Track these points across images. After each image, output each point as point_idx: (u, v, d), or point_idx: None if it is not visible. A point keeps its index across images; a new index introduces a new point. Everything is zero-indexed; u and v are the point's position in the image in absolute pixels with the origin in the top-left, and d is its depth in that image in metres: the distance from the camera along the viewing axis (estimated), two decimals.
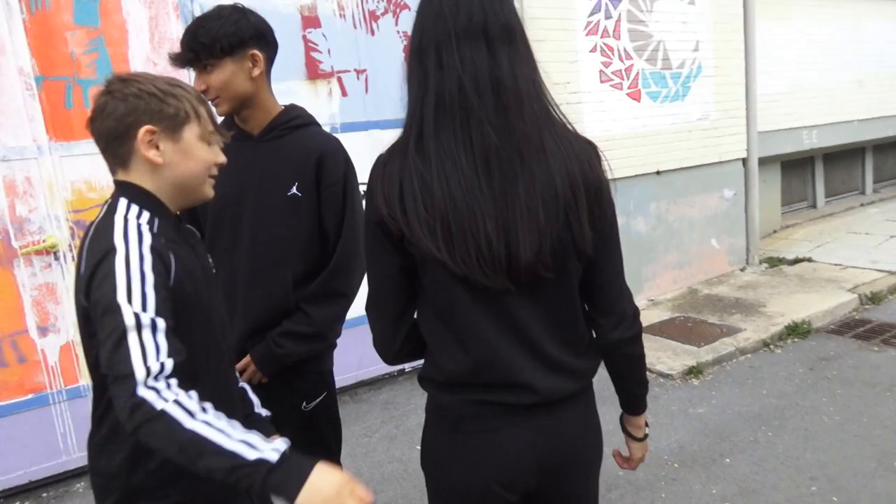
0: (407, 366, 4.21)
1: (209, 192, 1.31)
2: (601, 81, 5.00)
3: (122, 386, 1.05)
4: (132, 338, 1.07)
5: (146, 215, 1.20)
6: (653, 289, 5.41)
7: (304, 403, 1.87)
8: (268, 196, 1.77)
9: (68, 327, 3.12)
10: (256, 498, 1.10)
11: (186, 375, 1.11)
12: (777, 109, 6.59)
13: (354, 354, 4.01)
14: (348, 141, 3.95)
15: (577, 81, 4.84)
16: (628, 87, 5.17)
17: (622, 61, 5.11)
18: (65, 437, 3.14)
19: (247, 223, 1.80)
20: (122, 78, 1.23)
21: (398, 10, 4.03)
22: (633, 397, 1.45)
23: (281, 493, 1.03)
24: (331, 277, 1.79)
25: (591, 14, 4.90)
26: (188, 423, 1.04)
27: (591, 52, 4.92)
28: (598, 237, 1.22)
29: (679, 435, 3.28)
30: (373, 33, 3.94)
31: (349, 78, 3.88)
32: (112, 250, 1.13)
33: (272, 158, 1.78)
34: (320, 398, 1.88)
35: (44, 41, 3.04)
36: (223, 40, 1.66)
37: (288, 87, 3.67)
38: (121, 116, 1.19)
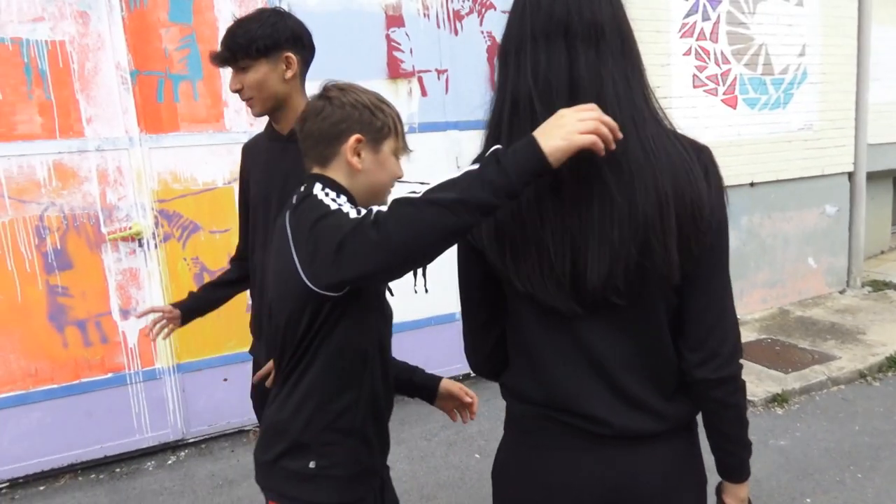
0: (472, 371, 4.15)
1: (387, 201, 1.29)
2: (694, 86, 4.76)
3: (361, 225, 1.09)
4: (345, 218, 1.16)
5: (343, 197, 1.28)
6: (740, 307, 5.08)
7: None
8: (290, 197, 1.77)
9: None
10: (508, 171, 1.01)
11: None
12: (889, 120, 6.08)
13: (420, 355, 3.99)
14: (425, 141, 3.99)
15: (667, 86, 4.63)
16: (724, 93, 4.89)
17: (718, 65, 4.85)
18: (139, 417, 3.28)
19: (272, 222, 1.80)
20: (339, 87, 1.37)
21: (483, 10, 3.97)
22: (729, 458, 1.21)
23: (526, 151, 0.99)
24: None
25: (688, 15, 4.67)
26: (411, 206, 1.05)
27: (684, 55, 4.69)
28: (693, 263, 1.07)
29: (756, 468, 3.04)
30: (456, 33, 3.90)
31: (430, 78, 3.86)
32: (329, 212, 1.20)
33: (297, 159, 1.77)
34: None
35: (140, 37, 3.18)
36: (259, 41, 1.69)
37: (369, 86, 3.64)
38: (336, 122, 1.32)
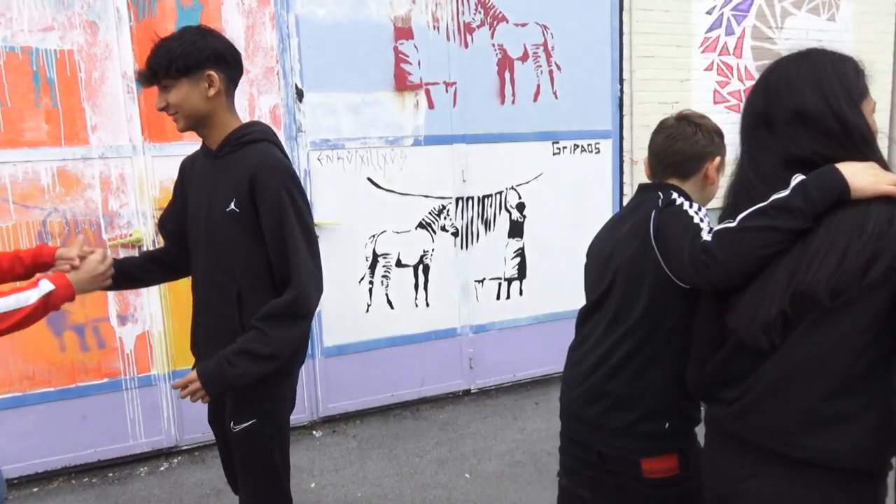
0: (473, 386, 4.10)
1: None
2: (715, 102, 4.63)
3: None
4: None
5: (696, 208, 1.57)
6: None
7: (232, 423, 1.86)
8: (214, 211, 1.81)
9: (145, 318, 3.29)
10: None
11: None
12: None
13: (417, 371, 3.97)
14: (431, 153, 3.97)
15: (686, 101, 4.51)
16: None
17: (741, 81, 4.71)
18: (133, 423, 3.31)
19: (203, 235, 1.87)
20: (700, 115, 1.74)
21: (495, 23, 3.93)
22: None
23: (832, 180, 1.23)
24: (290, 298, 1.73)
25: (710, 30, 4.55)
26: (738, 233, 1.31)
27: (705, 70, 4.57)
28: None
29: None
30: (466, 46, 3.87)
31: (437, 90, 3.82)
32: (692, 224, 1.48)
33: (221, 174, 1.81)
34: (247, 424, 1.84)
35: (147, 47, 3.08)
36: (178, 61, 1.71)
37: (375, 98, 3.68)
38: (704, 146, 1.68)
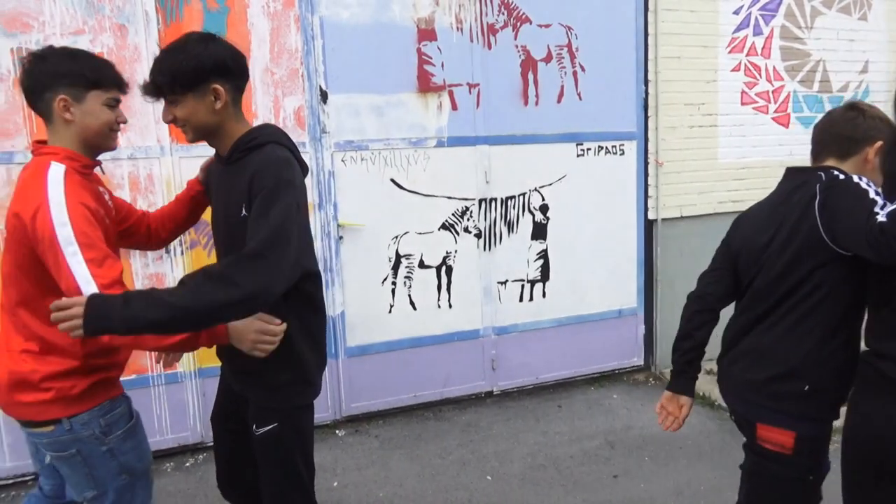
0: (495, 388, 4.09)
1: None
2: (742, 103, 4.56)
3: None
4: None
5: (865, 179, 1.66)
6: None
7: (255, 426, 1.87)
8: (230, 217, 1.78)
9: None
10: None
11: None
12: None
13: (440, 372, 3.97)
14: (454, 155, 3.98)
15: (713, 102, 4.46)
16: (775, 111, 4.68)
17: (770, 82, 4.64)
18: (160, 419, 3.37)
19: (224, 239, 1.88)
20: (868, 104, 1.82)
21: (518, 24, 3.92)
22: None
23: None
24: (233, 259, 1.57)
25: (738, 30, 4.49)
26: None
27: (732, 70, 4.51)
28: None
29: None
30: (490, 47, 3.87)
31: (461, 92, 3.83)
32: (867, 197, 1.59)
33: (232, 180, 1.78)
34: (269, 427, 1.84)
35: None
36: (182, 78, 1.67)
37: (398, 100, 3.70)
38: (865, 129, 1.77)
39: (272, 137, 1.81)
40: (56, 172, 1.65)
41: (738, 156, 4.57)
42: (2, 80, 3.03)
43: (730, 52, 4.49)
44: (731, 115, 4.53)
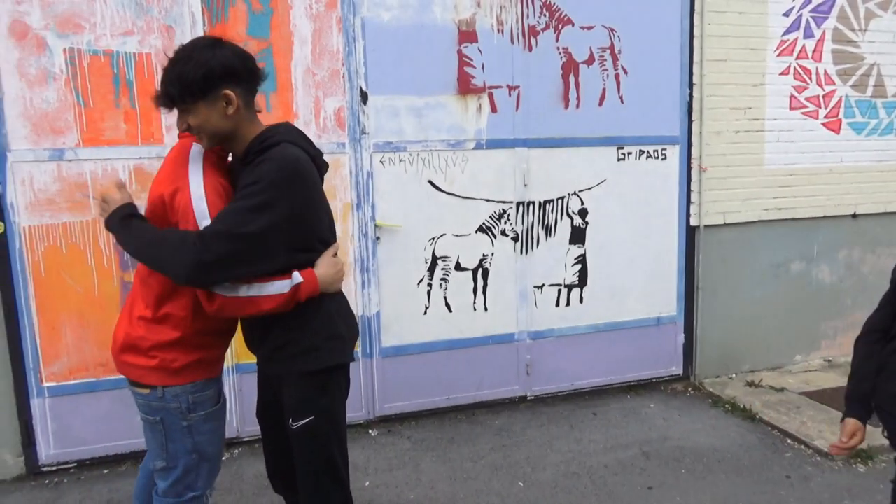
0: (529, 393, 4.06)
1: None
2: (791, 108, 4.43)
3: None
4: None
5: None
6: (832, 348, 4.69)
7: (291, 420, 1.90)
8: None
9: None
10: None
11: None
12: None
13: (474, 374, 3.95)
14: (492, 157, 3.96)
15: (760, 107, 4.34)
16: (825, 116, 4.53)
17: (821, 86, 4.50)
18: None
19: None
20: None
21: (560, 26, 3.88)
22: None
23: None
24: (199, 232, 1.69)
25: (787, 32, 4.37)
26: None
27: (781, 74, 4.39)
28: None
29: None
30: (530, 49, 3.84)
31: (500, 94, 3.81)
32: None
33: (246, 181, 1.80)
34: (305, 420, 1.88)
35: None
36: (192, 87, 1.69)
37: (437, 101, 3.70)
38: None
39: (285, 136, 1.83)
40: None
41: (786, 162, 4.45)
42: (55, 80, 3.13)
43: (778, 55, 4.37)
44: (779, 120, 4.41)
